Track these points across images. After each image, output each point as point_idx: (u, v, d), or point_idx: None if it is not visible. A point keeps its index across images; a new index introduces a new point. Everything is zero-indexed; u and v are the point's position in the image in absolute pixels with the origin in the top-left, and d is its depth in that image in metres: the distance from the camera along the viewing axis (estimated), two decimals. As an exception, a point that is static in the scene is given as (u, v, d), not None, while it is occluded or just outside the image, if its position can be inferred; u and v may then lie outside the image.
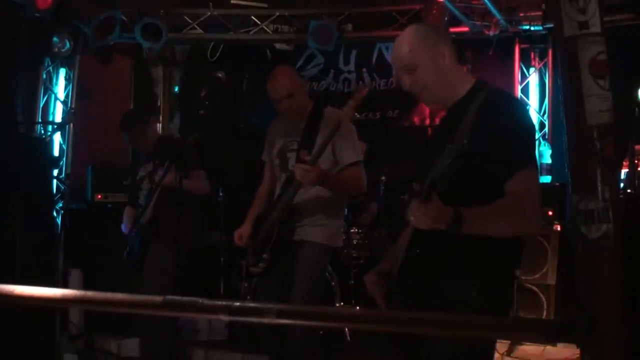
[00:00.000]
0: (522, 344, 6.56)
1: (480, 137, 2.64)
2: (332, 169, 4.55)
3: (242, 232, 4.82)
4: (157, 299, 1.83)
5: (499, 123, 2.80)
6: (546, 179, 7.87)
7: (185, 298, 1.83)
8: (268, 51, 9.30)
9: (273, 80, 4.69)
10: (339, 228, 4.86)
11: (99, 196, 8.04)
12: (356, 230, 7.17)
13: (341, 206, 4.79)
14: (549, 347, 6.60)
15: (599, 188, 1.33)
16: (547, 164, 8.13)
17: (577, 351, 1.62)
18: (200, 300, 1.79)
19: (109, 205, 7.99)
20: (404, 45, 3.05)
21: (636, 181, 6.19)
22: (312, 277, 4.59)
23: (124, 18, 8.40)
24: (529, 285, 6.83)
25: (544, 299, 6.92)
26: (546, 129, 8.40)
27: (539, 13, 7.98)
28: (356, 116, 4.30)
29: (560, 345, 6.58)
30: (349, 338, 6.79)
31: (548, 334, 1.54)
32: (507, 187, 2.75)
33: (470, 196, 2.71)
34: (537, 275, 6.80)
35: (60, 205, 8.57)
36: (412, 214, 2.67)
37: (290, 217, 4.58)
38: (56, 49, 8.56)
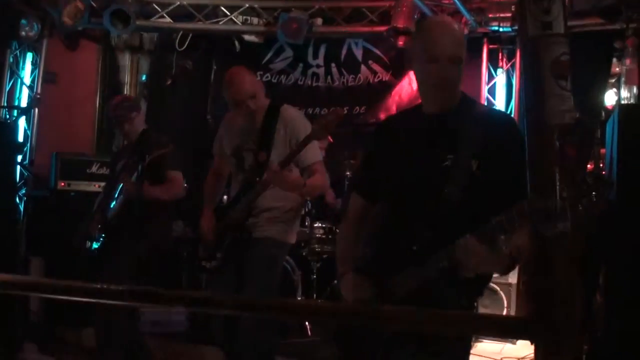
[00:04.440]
0: (480, 341, 6.63)
1: (495, 161, 2.72)
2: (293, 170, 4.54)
3: (209, 226, 4.80)
4: (117, 288, 1.82)
5: (515, 154, 2.53)
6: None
7: (144, 288, 1.82)
8: (236, 43, 9.26)
9: (236, 83, 4.62)
10: (296, 224, 4.85)
11: (62, 184, 7.96)
12: (319, 225, 7.19)
13: (297, 202, 4.77)
14: (508, 345, 6.68)
15: (557, 188, 1.34)
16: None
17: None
18: (159, 291, 1.78)
19: (72, 194, 7.91)
20: (459, 34, 2.87)
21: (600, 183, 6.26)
22: (267, 273, 4.57)
23: (93, 4, 8.34)
24: (490, 284, 6.89)
25: (504, 297, 6.99)
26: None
27: (509, 15, 8.04)
28: (328, 137, 4.30)
29: (519, 344, 6.67)
30: (310, 333, 6.80)
31: (502, 330, 1.56)
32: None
33: (480, 211, 2.64)
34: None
35: (23, 191, 8.48)
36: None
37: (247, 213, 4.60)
38: (24, 33, 8.47)
